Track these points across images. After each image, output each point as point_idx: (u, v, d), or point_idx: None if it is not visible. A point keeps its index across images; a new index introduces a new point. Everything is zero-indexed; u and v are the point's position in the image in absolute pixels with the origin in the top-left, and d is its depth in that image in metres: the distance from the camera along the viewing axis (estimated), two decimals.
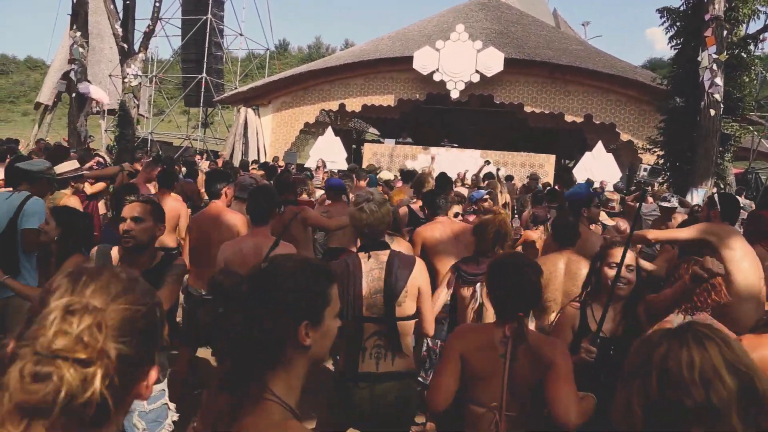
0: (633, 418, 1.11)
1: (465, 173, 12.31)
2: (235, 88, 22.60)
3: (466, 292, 3.43)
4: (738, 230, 3.99)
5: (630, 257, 2.73)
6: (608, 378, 2.22)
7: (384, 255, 2.82)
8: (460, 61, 17.72)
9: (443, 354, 2.34)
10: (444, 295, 3.53)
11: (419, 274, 2.83)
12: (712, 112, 9.64)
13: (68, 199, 4.64)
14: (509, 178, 13.41)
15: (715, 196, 4.16)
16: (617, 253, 2.76)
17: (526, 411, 2.23)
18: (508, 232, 3.69)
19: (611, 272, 2.72)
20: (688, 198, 9.95)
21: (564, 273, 3.70)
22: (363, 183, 8.19)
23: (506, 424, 2.17)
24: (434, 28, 20.13)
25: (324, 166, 14.42)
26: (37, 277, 3.50)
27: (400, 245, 4.06)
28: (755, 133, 14.97)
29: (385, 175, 9.10)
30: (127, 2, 15.09)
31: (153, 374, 0.96)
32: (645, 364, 1.13)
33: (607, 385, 2.18)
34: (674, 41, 11.34)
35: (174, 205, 5.34)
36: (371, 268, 2.79)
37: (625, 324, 2.73)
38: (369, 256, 2.82)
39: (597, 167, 15.92)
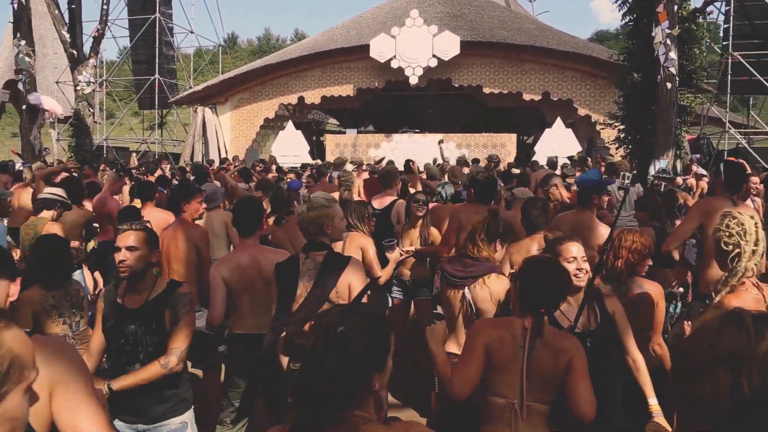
0: (720, 413, 1.04)
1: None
2: (189, 87, 22.12)
3: (454, 295, 3.19)
4: (729, 203, 3.88)
5: (574, 249, 2.78)
6: (591, 371, 2.31)
7: (320, 256, 2.91)
8: (416, 47, 17.77)
9: (468, 345, 2.36)
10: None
11: (351, 274, 2.88)
12: (669, 85, 9.97)
13: (51, 225, 4.49)
14: (475, 160, 13.58)
15: (722, 165, 4.08)
16: (565, 248, 2.79)
17: (545, 403, 2.33)
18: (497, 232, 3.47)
19: (570, 266, 2.71)
20: (651, 169, 10.30)
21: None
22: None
23: (525, 414, 2.26)
24: (388, 14, 20.10)
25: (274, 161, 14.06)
26: None
27: (353, 240, 4.14)
28: (705, 100, 15.50)
29: (349, 166, 9.12)
30: (73, 6, 14.54)
31: None
32: (734, 355, 1.04)
33: (591, 379, 2.32)
34: (627, 18, 11.63)
35: (161, 216, 5.16)
36: (308, 269, 2.88)
37: (596, 316, 2.73)
38: (306, 257, 2.93)
39: (557, 142, 16.27)
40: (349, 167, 9.12)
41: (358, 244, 4.13)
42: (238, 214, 3.49)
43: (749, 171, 6.26)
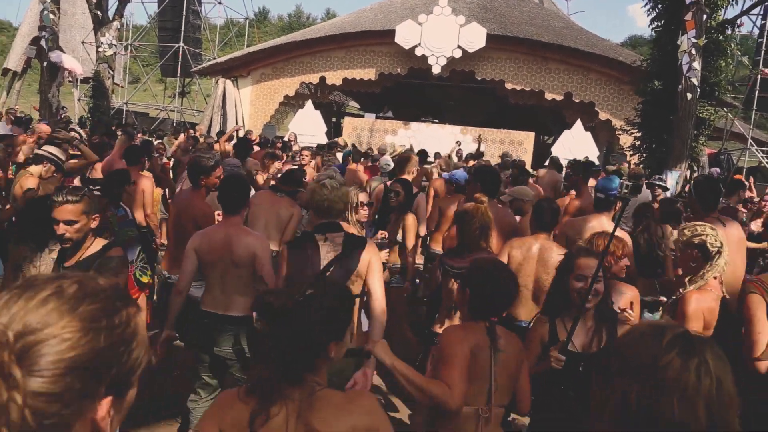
0: (605, 418, 1.06)
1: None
2: (214, 58, 22.15)
3: (454, 286, 3.27)
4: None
5: (592, 264, 2.55)
6: (577, 394, 2.29)
7: (339, 237, 2.92)
8: (442, 36, 17.59)
9: (454, 354, 2.19)
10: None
11: (369, 254, 2.90)
12: (689, 96, 9.76)
13: (26, 179, 4.50)
14: (480, 155, 13.45)
15: (692, 183, 4.07)
16: (585, 263, 2.60)
17: (504, 405, 2.34)
18: (490, 223, 3.56)
19: (578, 284, 2.57)
20: (665, 179, 10.13)
21: (537, 258, 3.70)
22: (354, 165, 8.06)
23: (494, 419, 2.26)
24: (417, 1, 19.88)
25: (295, 140, 14.07)
26: None
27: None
28: (728, 115, 15.19)
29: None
30: None
31: (103, 408, 0.81)
32: (646, 368, 1.04)
33: (577, 401, 2.29)
34: (655, 23, 11.39)
35: (141, 182, 5.25)
36: (327, 251, 2.86)
37: (599, 341, 2.54)
38: (325, 239, 2.89)
39: (575, 145, 16.06)
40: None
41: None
42: (223, 191, 3.46)
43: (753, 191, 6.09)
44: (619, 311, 2.88)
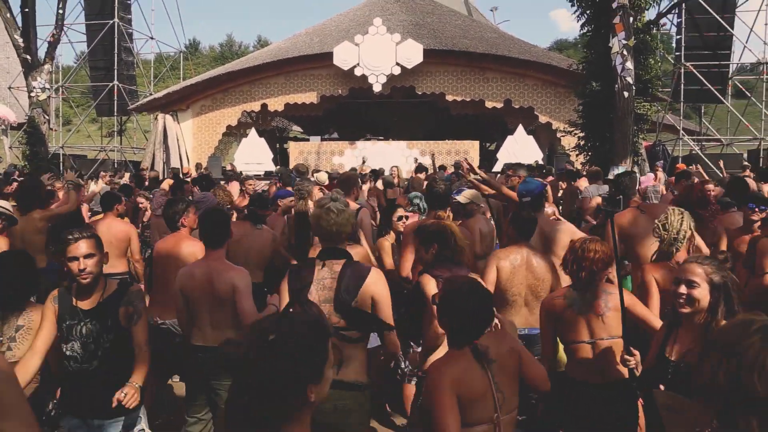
0: (717, 388, 1.24)
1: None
2: (150, 94, 21.70)
3: None
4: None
5: (695, 271, 2.46)
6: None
7: (338, 264, 2.76)
8: (380, 55, 17.85)
9: (437, 393, 2.18)
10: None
11: (373, 284, 2.74)
12: (626, 94, 10.26)
13: None
14: (442, 167, 13.69)
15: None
16: (691, 269, 2.49)
17: (515, 408, 2.38)
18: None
19: (680, 289, 2.49)
20: (610, 176, 10.56)
21: (525, 266, 3.76)
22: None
23: (505, 427, 2.28)
24: (351, 22, 20.14)
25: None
26: None
27: (356, 253, 4.02)
28: (660, 109, 16.01)
29: (321, 176, 8.92)
30: (26, 10, 14.14)
31: None
32: (731, 347, 1.23)
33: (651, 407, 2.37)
34: (585, 28, 11.94)
35: (121, 228, 5.21)
36: (323, 277, 2.75)
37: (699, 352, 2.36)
38: (323, 264, 2.78)
39: (519, 149, 16.55)
40: (323, 176, 8.82)
41: (362, 257, 4.06)
42: (204, 225, 3.43)
43: (705, 178, 6.47)
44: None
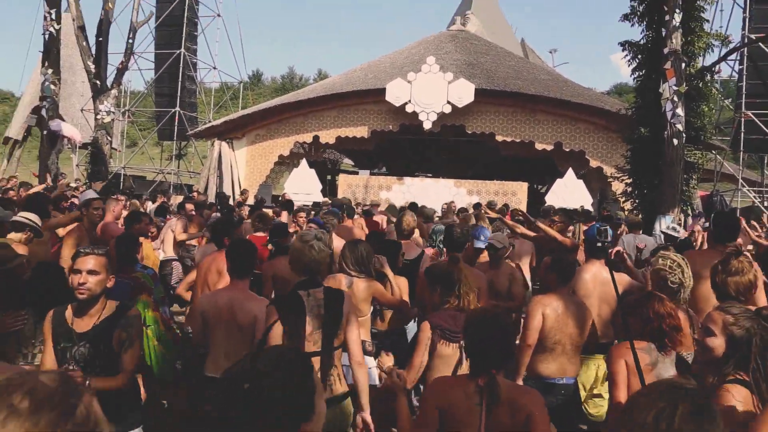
0: None
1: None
2: (209, 121, 22.61)
3: (448, 350, 3.14)
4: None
5: (715, 319, 2.37)
6: None
7: (320, 293, 3.01)
8: (431, 93, 18.04)
9: (421, 407, 2.35)
10: (423, 361, 3.16)
11: (348, 306, 3.04)
12: (675, 141, 9.99)
13: (16, 247, 4.48)
14: (477, 205, 13.62)
15: (705, 220, 4.28)
16: (712, 317, 2.41)
17: None
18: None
19: (698, 336, 2.50)
20: (656, 225, 10.23)
21: (567, 315, 3.64)
22: (350, 222, 8.10)
23: None
24: (405, 60, 20.50)
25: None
26: None
27: (360, 290, 4.01)
28: (717, 156, 15.49)
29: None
30: (100, 39, 15.11)
31: None
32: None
33: None
34: (636, 73, 11.77)
35: (147, 247, 5.36)
36: (312, 306, 2.95)
37: None
38: (308, 294, 2.97)
39: (568, 193, 16.25)
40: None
41: (370, 293, 4.05)
42: (231, 255, 3.51)
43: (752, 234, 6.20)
44: None
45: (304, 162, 18.99)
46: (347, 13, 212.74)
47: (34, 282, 3.22)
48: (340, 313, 2.98)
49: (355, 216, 9.19)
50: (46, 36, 13.67)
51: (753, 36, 15.05)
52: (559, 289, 3.73)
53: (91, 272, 2.70)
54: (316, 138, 20.07)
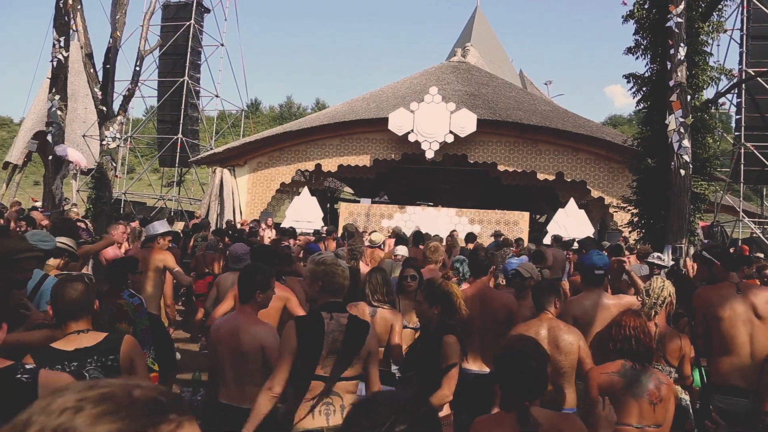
0: None
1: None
2: (210, 148, 22.69)
3: None
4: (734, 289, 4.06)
5: None
6: None
7: (344, 318, 2.91)
8: (434, 123, 18.21)
9: None
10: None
11: (371, 339, 2.95)
12: (683, 172, 10.08)
13: (54, 273, 4.49)
14: (497, 233, 13.70)
15: (705, 253, 4.30)
16: None
17: None
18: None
19: None
20: (665, 255, 10.26)
21: (548, 341, 3.54)
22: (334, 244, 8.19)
23: None
24: (407, 90, 20.75)
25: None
26: None
27: (383, 320, 4.03)
28: (718, 188, 15.64)
29: (376, 237, 8.99)
30: (107, 66, 15.22)
31: None
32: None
33: None
34: (641, 105, 11.94)
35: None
36: (332, 330, 2.85)
37: None
38: (331, 317, 2.88)
39: (570, 223, 16.32)
40: (377, 236, 8.92)
41: (392, 324, 4.06)
42: (243, 280, 3.47)
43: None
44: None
45: (305, 190, 19.02)
46: (345, 43, 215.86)
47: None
48: (360, 344, 2.88)
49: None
50: (54, 63, 13.74)
51: (751, 71, 15.38)
52: (540, 316, 3.73)
53: None
54: (318, 166, 20.15)
